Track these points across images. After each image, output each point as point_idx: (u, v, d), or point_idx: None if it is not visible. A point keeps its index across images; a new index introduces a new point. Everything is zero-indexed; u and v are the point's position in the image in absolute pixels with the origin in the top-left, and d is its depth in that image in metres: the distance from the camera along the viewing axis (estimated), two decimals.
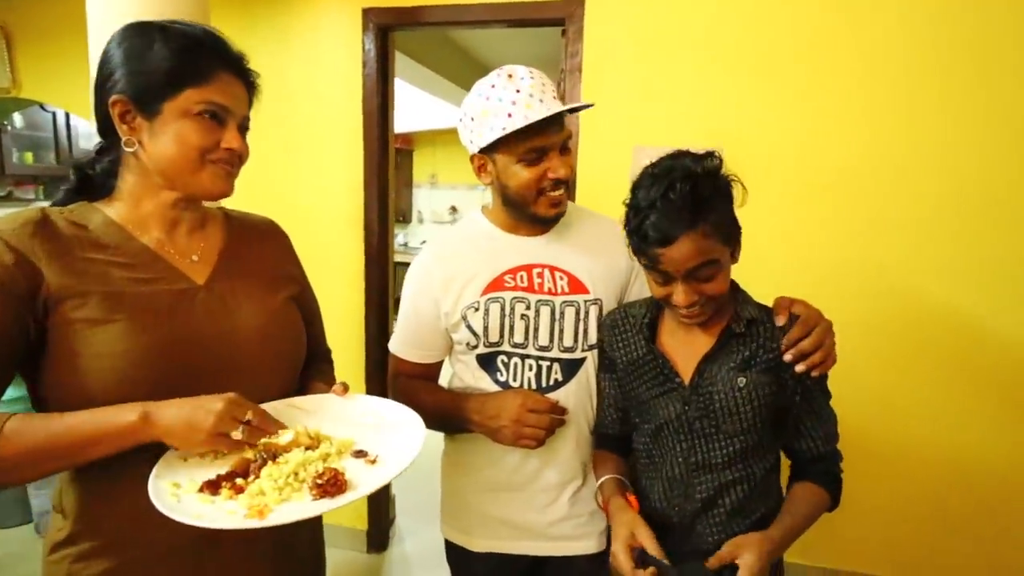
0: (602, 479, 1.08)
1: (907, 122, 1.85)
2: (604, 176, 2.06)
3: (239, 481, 0.74)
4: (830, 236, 1.91)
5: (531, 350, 1.11)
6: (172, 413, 0.74)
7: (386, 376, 2.52)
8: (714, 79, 1.96)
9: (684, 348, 1.02)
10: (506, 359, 1.12)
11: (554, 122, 1.04)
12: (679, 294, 0.93)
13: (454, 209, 7.26)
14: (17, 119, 4.21)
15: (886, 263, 1.90)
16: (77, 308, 0.76)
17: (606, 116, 2.01)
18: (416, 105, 5.40)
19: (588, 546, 1.16)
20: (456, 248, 1.17)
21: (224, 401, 0.75)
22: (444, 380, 1.27)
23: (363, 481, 0.75)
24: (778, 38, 1.91)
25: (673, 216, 0.88)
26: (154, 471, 0.74)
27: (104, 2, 1.57)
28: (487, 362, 1.14)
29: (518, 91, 1.03)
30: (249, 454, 0.77)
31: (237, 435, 0.75)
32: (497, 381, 1.13)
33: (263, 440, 0.78)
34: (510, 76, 1.05)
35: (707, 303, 0.95)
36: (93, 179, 0.88)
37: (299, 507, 0.71)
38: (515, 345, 1.11)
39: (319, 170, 2.41)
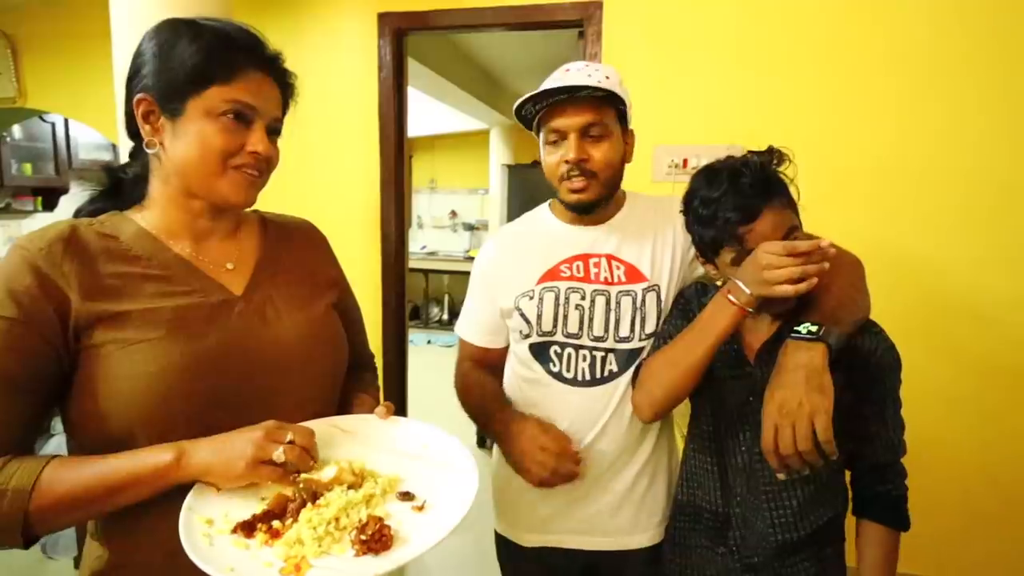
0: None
1: (931, 116, 1.86)
2: (625, 175, 2.05)
3: (275, 524, 0.68)
4: (853, 232, 1.91)
5: (585, 340, 1.10)
6: (208, 449, 0.70)
7: (402, 385, 2.54)
8: (733, 77, 1.97)
9: (751, 336, 1.02)
10: (559, 349, 1.12)
11: (573, 103, 1.02)
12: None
13: (454, 214, 7.25)
14: (16, 130, 4.16)
15: (910, 257, 1.91)
16: (108, 329, 0.72)
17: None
18: (415, 109, 5.40)
19: (643, 539, 1.15)
20: (516, 237, 1.20)
21: (262, 429, 0.71)
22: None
23: (410, 534, 0.68)
24: (797, 35, 1.92)
25: (750, 193, 0.91)
26: (187, 501, 0.69)
27: (127, 9, 1.56)
28: (540, 352, 1.14)
29: (567, 71, 1.04)
30: (288, 491, 0.71)
31: (280, 456, 0.69)
32: (550, 372, 1.13)
33: (304, 476, 0.72)
34: (567, 71, 1.05)
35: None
36: (123, 184, 0.84)
37: (339, 565, 0.64)
38: (568, 335, 1.10)
39: (335, 175, 2.40)
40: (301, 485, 0.71)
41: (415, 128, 6.24)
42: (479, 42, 4.13)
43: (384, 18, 2.23)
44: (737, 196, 0.91)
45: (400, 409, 2.58)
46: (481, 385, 1.20)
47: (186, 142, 0.76)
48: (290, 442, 0.71)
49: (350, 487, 0.72)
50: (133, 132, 0.80)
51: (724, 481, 1.03)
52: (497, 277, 1.17)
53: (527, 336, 1.13)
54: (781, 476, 0.86)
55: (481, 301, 1.20)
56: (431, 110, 5.34)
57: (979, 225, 1.86)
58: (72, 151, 4.42)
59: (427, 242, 7.23)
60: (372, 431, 0.85)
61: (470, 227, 7.13)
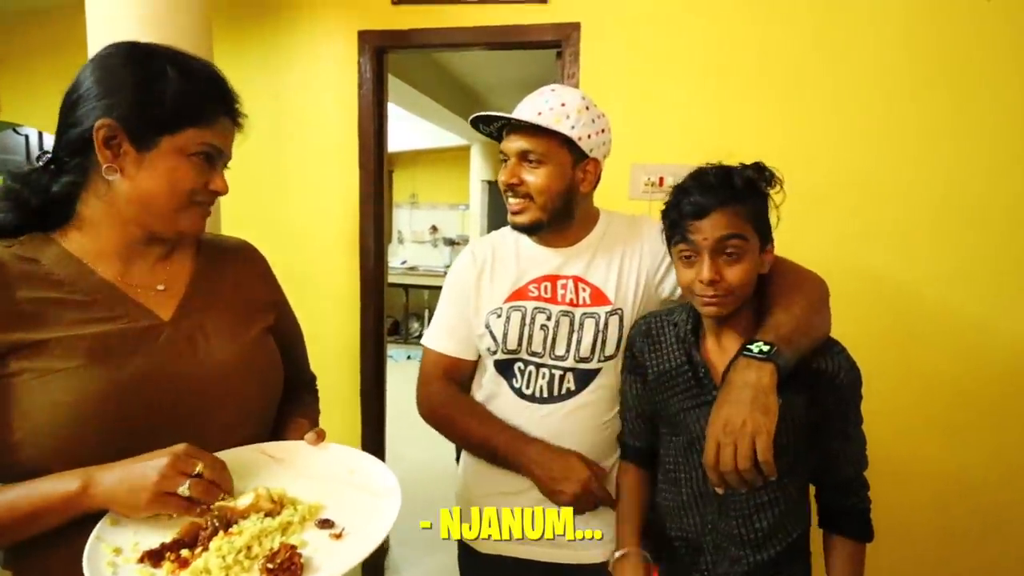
0: (622, 552, 1.07)
1: (904, 136, 1.91)
2: (603, 193, 2.07)
3: (184, 553, 0.65)
4: (824, 250, 1.96)
5: (547, 359, 1.13)
6: (113, 477, 0.67)
7: (381, 401, 2.52)
8: (709, 97, 2.02)
9: (721, 360, 1.01)
10: (523, 366, 1.14)
11: (515, 129, 1.10)
12: (704, 269, 0.94)
13: (435, 229, 7.26)
14: None
15: (882, 276, 1.96)
16: (24, 359, 0.70)
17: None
18: (396, 125, 5.42)
19: (601, 554, 1.15)
20: (489, 253, 1.21)
21: (169, 455, 0.68)
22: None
23: (323, 563, 0.66)
24: (772, 56, 1.97)
25: (708, 192, 0.94)
26: (96, 529, 0.67)
27: (105, 21, 1.55)
28: (505, 368, 1.16)
29: (531, 96, 1.11)
30: (201, 519, 0.68)
31: (184, 490, 0.67)
32: (512, 388, 1.15)
33: (218, 503, 0.69)
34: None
35: (728, 294, 0.95)
36: (49, 202, 0.78)
37: None
38: (532, 354, 1.13)
39: (314, 191, 2.40)
40: (215, 513, 0.69)
41: (396, 143, 6.26)
42: (459, 60, 4.18)
43: (364, 36, 2.25)
44: (697, 192, 0.95)
45: (378, 424, 2.57)
46: (468, 406, 1.19)
47: (154, 176, 0.76)
48: (198, 475, 0.68)
49: (267, 514, 0.70)
50: (71, 150, 0.76)
51: (695, 510, 1.03)
52: (470, 290, 1.18)
53: (493, 353, 1.15)
54: (719, 491, 0.87)
55: (454, 310, 1.21)
56: (412, 126, 5.37)
57: (951, 244, 1.90)
58: None
59: (407, 257, 7.22)
60: (300, 457, 0.83)
61: (451, 242, 7.15)
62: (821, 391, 0.96)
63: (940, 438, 1.96)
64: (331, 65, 2.31)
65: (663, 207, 1.02)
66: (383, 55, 2.31)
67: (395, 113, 4.71)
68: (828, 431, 0.99)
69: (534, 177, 1.08)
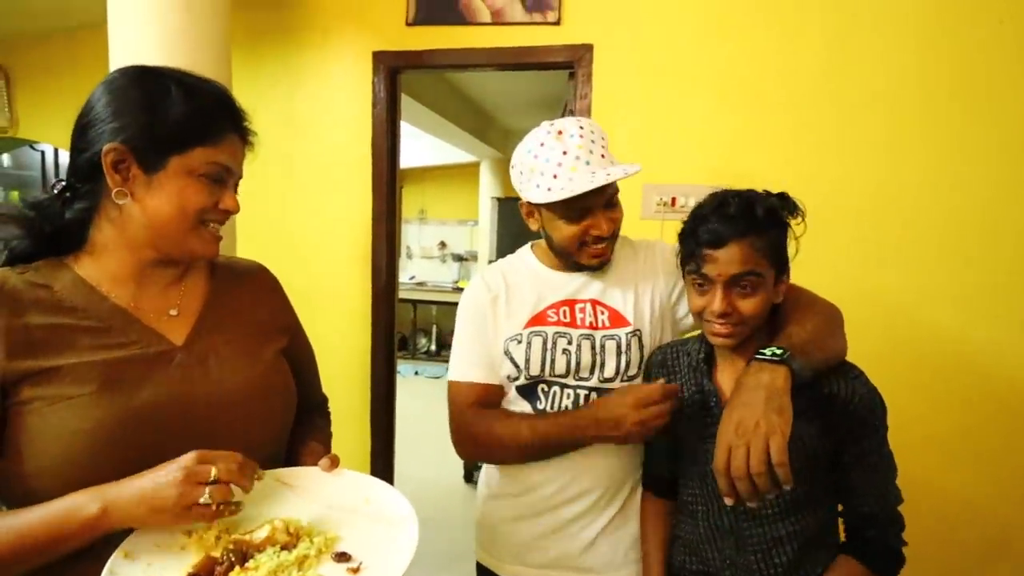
0: None
1: (916, 157, 1.91)
2: None
3: None
4: (838, 271, 1.95)
5: (570, 380, 1.12)
6: (132, 497, 0.66)
7: (391, 416, 2.51)
8: (721, 118, 2.03)
9: (729, 384, 0.98)
10: (546, 387, 1.13)
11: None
12: (716, 301, 0.92)
13: (443, 244, 7.28)
14: (5, 158, 4.16)
15: (895, 299, 1.94)
16: (37, 386, 0.69)
17: (615, 156, 2.06)
18: (407, 141, 5.47)
19: None
20: (501, 280, 1.19)
21: (182, 471, 0.66)
22: None
23: None
24: (784, 78, 1.98)
25: (727, 222, 0.92)
26: (109, 565, 0.65)
27: (127, 43, 1.58)
28: (528, 392, 1.14)
29: (564, 152, 1.05)
30: (217, 551, 0.67)
31: (206, 499, 0.66)
32: (536, 410, 1.14)
33: (234, 536, 0.69)
34: (560, 133, 1.07)
35: (739, 324, 0.94)
36: (63, 228, 0.78)
37: None
38: (556, 376, 1.12)
39: (327, 208, 2.42)
40: (231, 547, 0.68)
41: (406, 159, 6.29)
42: (471, 79, 4.23)
43: (379, 56, 2.28)
44: (716, 221, 0.93)
45: (388, 438, 2.56)
46: (507, 414, 1.15)
47: (163, 197, 0.75)
48: (215, 480, 0.67)
49: (283, 547, 0.70)
50: (83, 175, 0.76)
51: (713, 543, 1.01)
52: (487, 317, 1.16)
53: (515, 379, 1.14)
54: (729, 501, 0.82)
55: (475, 338, 1.17)
56: (422, 143, 5.41)
57: (960, 265, 1.89)
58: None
59: (416, 272, 7.24)
60: (314, 484, 0.82)
61: (459, 258, 7.17)
62: (834, 417, 0.92)
63: (949, 460, 1.93)
64: (345, 85, 2.34)
65: (680, 229, 1.01)
66: (397, 75, 2.34)
67: (405, 130, 4.76)
68: (845, 461, 0.95)
69: (617, 216, 1.12)
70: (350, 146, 2.36)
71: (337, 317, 2.43)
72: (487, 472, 1.25)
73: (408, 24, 2.23)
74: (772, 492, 0.79)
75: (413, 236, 7.36)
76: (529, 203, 1.13)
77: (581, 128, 1.07)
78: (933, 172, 1.90)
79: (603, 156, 1.07)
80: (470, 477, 3.56)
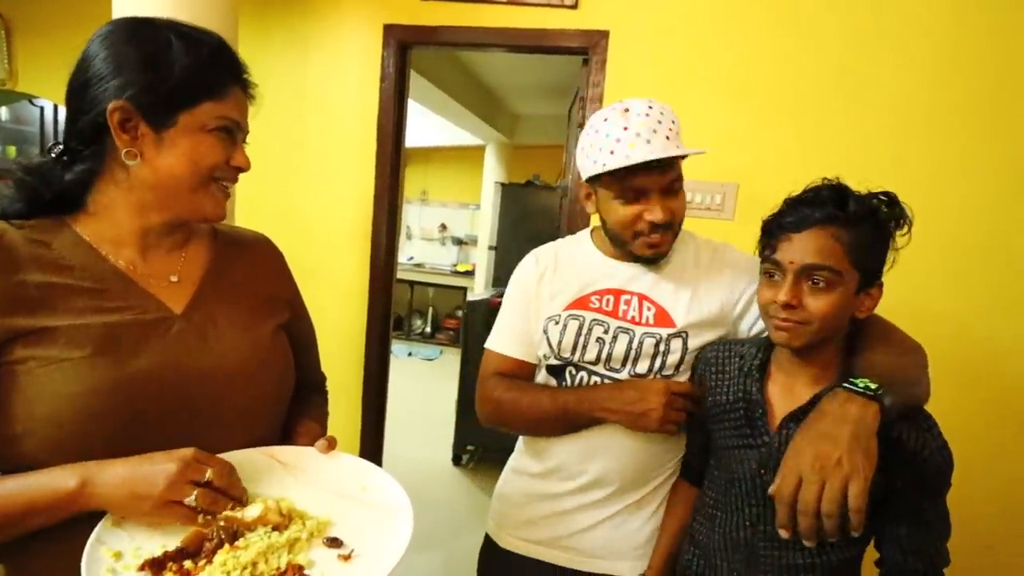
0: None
1: (927, 160, 1.89)
2: None
3: (187, 564, 0.62)
4: None
5: (600, 368, 1.10)
6: (114, 478, 0.64)
7: (383, 395, 2.50)
8: (734, 114, 2.00)
9: (784, 402, 0.92)
10: (574, 371, 1.12)
11: (659, 163, 0.99)
12: (783, 290, 0.85)
13: (444, 227, 7.23)
14: (3, 112, 4.08)
15: (907, 304, 1.92)
16: (30, 346, 0.67)
17: None
18: (412, 121, 5.41)
19: (622, 568, 1.12)
20: (552, 258, 1.19)
21: (178, 461, 0.65)
22: None
23: None
24: (796, 75, 1.95)
25: (812, 205, 0.86)
26: (96, 531, 0.63)
27: (131, 4, 1.53)
28: (557, 372, 1.14)
29: (626, 128, 1.00)
30: (207, 528, 0.66)
31: (191, 500, 0.64)
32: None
33: (225, 513, 0.67)
34: (626, 111, 1.02)
35: (804, 323, 0.85)
36: (63, 191, 0.75)
37: None
38: (586, 362, 1.10)
39: (329, 182, 2.38)
40: (221, 523, 0.66)
41: (410, 139, 6.22)
42: (481, 59, 4.16)
43: (390, 30, 2.23)
44: (804, 204, 0.87)
45: (378, 419, 2.55)
46: (532, 385, 1.16)
47: (175, 155, 0.73)
48: (207, 483, 0.65)
49: (274, 528, 0.68)
50: (85, 137, 0.72)
51: (724, 554, 0.97)
52: (531, 294, 1.16)
53: (547, 358, 1.14)
54: (784, 534, 0.76)
55: (517, 313, 1.18)
56: (428, 122, 5.35)
57: (972, 276, 1.88)
58: (59, 135, 4.34)
59: (414, 253, 7.20)
60: (310, 465, 0.81)
61: (459, 241, 7.12)
62: (895, 463, 0.82)
63: (980, 477, 1.88)
64: (354, 57, 2.30)
65: (765, 217, 0.94)
66: (407, 50, 2.30)
67: (411, 108, 4.70)
68: (897, 513, 0.86)
69: (677, 205, 1.06)
70: (356, 120, 2.32)
71: (334, 292, 2.40)
72: (518, 447, 1.26)
73: None
74: (835, 536, 0.74)
75: (414, 216, 7.31)
76: (587, 183, 1.10)
77: (650, 108, 1.02)
78: (940, 182, 1.88)
79: (668, 139, 1.00)
80: (458, 460, 3.56)
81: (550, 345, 1.12)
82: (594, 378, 1.10)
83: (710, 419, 1.01)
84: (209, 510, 0.66)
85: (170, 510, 0.64)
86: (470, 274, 6.65)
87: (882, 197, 0.88)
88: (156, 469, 0.64)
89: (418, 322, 7.02)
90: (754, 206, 0.99)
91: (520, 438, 1.24)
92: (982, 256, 1.87)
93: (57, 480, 0.64)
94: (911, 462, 0.83)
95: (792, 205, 0.89)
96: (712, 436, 1.02)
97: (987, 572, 1.90)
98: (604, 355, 1.09)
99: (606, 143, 1.01)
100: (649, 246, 1.06)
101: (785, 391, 0.93)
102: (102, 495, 0.64)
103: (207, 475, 0.66)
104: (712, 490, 1.01)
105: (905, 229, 0.89)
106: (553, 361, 1.13)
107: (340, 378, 2.41)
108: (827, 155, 1.95)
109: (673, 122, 1.03)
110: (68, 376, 0.67)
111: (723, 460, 0.98)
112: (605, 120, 1.03)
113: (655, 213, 1.02)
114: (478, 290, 6.24)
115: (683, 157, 1.03)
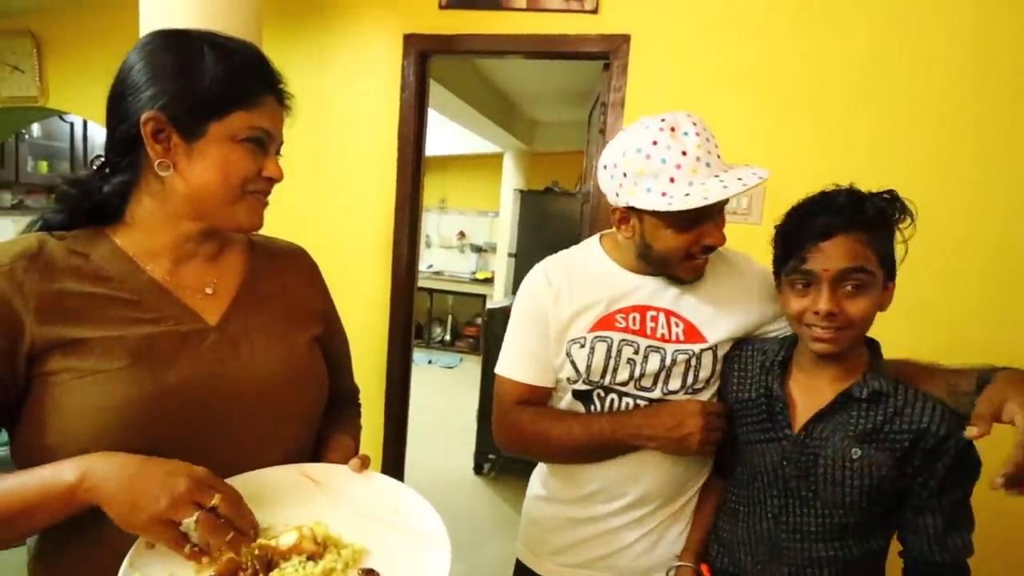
0: (677, 565, 1.05)
1: (956, 163, 1.84)
2: None
3: None
4: None
5: (630, 388, 1.06)
6: (118, 479, 0.61)
7: (405, 403, 2.49)
8: (757, 116, 1.97)
9: (806, 399, 0.94)
10: (603, 394, 1.07)
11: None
12: (822, 300, 0.86)
13: (463, 235, 7.25)
14: (35, 128, 4.19)
15: (932, 307, 1.87)
16: (65, 356, 0.67)
17: None
18: (430, 129, 5.43)
19: None
20: (564, 275, 1.10)
21: (187, 479, 0.62)
22: None
23: None
24: (822, 77, 1.92)
25: (835, 214, 0.87)
26: (129, 556, 0.61)
27: (158, 12, 1.56)
28: (584, 396, 1.09)
29: (684, 153, 0.92)
30: (241, 557, 0.64)
31: (189, 526, 0.61)
32: (590, 413, 1.09)
33: (259, 541, 0.65)
34: (673, 130, 0.93)
35: (846, 328, 0.87)
36: (102, 203, 0.76)
37: None
38: (617, 383, 1.06)
39: (350, 191, 2.40)
40: (256, 552, 0.64)
41: (430, 147, 6.26)
42: (499, 67, 4.17)
43: (410, 39, 2.24)
44: (824, 212, 0.88)
45: (400, 426, 2.54)
46: (559, 413, 1.11)
47: (206, 166, 0.72)
48: (212, 508, 0.63)
49: (309, 557, 0.66)
50: (123, 148, 0.73)
51: (747, 547, 0.98)
52: (547, 315, 1.08)
53: (573, 382, 1.08)
54: (998, 481, 0.75)
55: (530, 336, 1.10)
56: (446, 131, 5.37)
57: (1001, 281, 1.83)
58: (89, 152, 4.45)
59: (434, 261, 7.22)
60: (343, 485, 0.79)
61: (478, 249, 7.13)
62: (916, 453, 0.86)
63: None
64: (374, 67, 2.31)
65: (777, 228, 0.95)
66: (427, 59, 2.30)
67: (430, 116, 4.73)
68: (923, 504, 0.89)
69: (722, 229, 1.01)
70: (376, 130, 2.33)
71: (356, 301, 2.41)
72: (543, 473, 1.21)
73: (441, 7, 2.19)
74: None
75: (432, 225, 7.33)
76: (627, 208, 1.00)
77: (695, 124, 0.94)
78: (978, 182, 1.83)
79: (719, 156, 0.96)
80: (480, 469, 3.54)
81: (576, 369, 1.06)
82: (625, 399, 1.06)
83: (734, 416, 1.02)
84: (204, 541, 0.62)
85: (163, 529, 0.61)
86: (489, 281, 6.66)
87: (886, 196, 0.91)
88: (164, 483, 0.62)
89: (438, 330, 7.03)
90: (782, 209, 0.96)
91: (540, 463, 1.21)
92: (996, 259, 1.83)
93: (57, 474, 0.62)
94: (935, 450, 0.86)
95: (809, 215, 0.90)
96: (736, 433, 1.02)
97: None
98: (636, 375, 1.05)
99: (663, 170, 0.93)
100: (695, 269, 1.03)
101: (807, 389, 0.96)
102: (99, 496, 0.61)
103: (214, 500, 0.63)
104: (735, 487, 1.03)
105: (908, 222, 0.93)
106: (581, 386, 1.08)
107: (362, 387, 2.39)
108: (852, 157, 1.90)
109: (713, 135, 0.99)
110: (102, 389, 0.67)
111: (746, 455, 1.00)
112: (654, 143, 0.94)
113: (715, 237, 0.98)
114: (497, 298, 6.23)
115: (753, 186, 0.95)
